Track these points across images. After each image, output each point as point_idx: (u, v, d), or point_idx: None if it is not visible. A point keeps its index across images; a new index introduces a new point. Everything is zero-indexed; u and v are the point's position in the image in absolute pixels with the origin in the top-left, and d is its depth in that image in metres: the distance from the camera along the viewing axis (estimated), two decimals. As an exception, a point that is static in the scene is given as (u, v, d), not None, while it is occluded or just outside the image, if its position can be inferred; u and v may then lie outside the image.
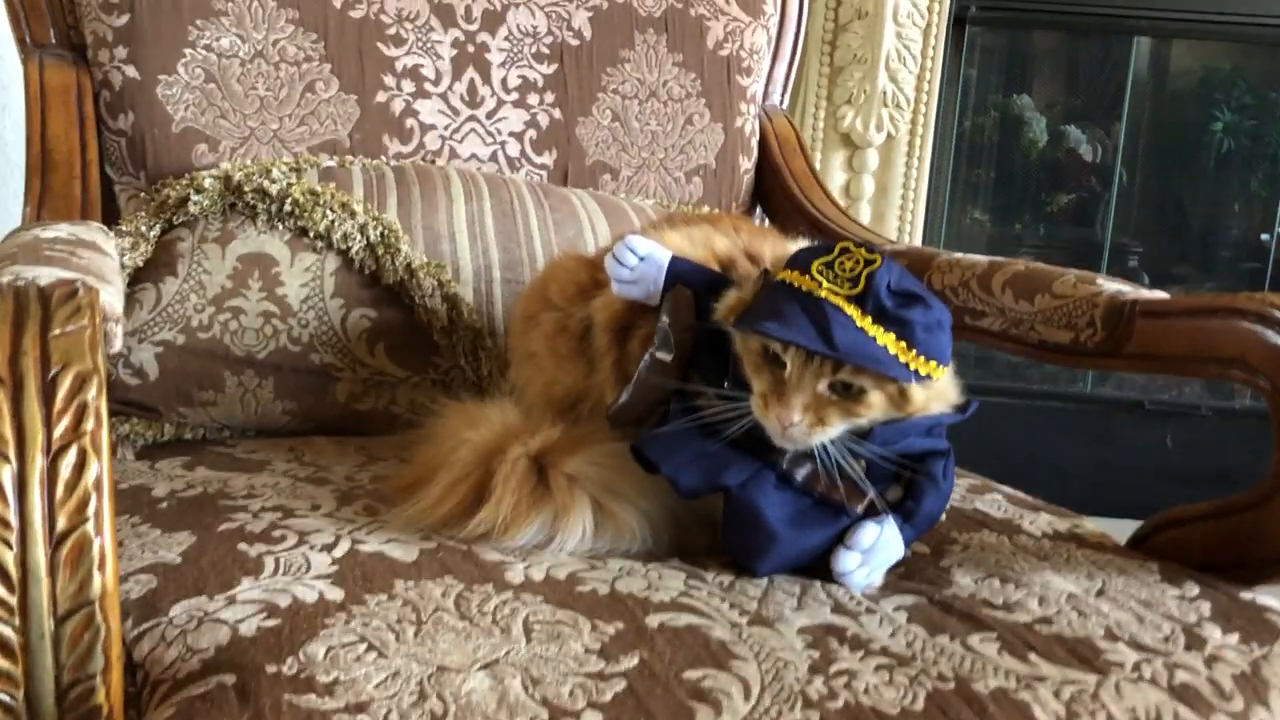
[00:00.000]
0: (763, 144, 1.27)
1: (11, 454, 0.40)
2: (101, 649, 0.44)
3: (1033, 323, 0.90)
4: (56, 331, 0.44)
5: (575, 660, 0.58)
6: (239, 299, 0.92)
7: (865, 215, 2.06)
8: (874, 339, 0.66)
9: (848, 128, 1.97)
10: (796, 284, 0.67)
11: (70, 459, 0.41)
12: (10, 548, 0.40)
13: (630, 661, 0.58)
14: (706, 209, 1.18)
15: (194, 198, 0.94)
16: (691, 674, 0.57)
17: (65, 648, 0.43)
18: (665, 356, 0.72)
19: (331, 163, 1.03)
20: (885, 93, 1.94)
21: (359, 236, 0.94)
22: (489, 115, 1.12)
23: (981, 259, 0.99)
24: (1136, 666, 0.63)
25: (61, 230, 0.76)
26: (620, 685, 0.56)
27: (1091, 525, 0.85)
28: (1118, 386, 2.38)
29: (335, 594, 0.63)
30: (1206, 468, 2.33)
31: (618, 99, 1.18)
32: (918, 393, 0.68)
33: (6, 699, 0.42)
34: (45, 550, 0.41)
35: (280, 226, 0.94)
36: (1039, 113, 2.33)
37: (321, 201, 0.94)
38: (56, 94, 0.98)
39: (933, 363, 0.68)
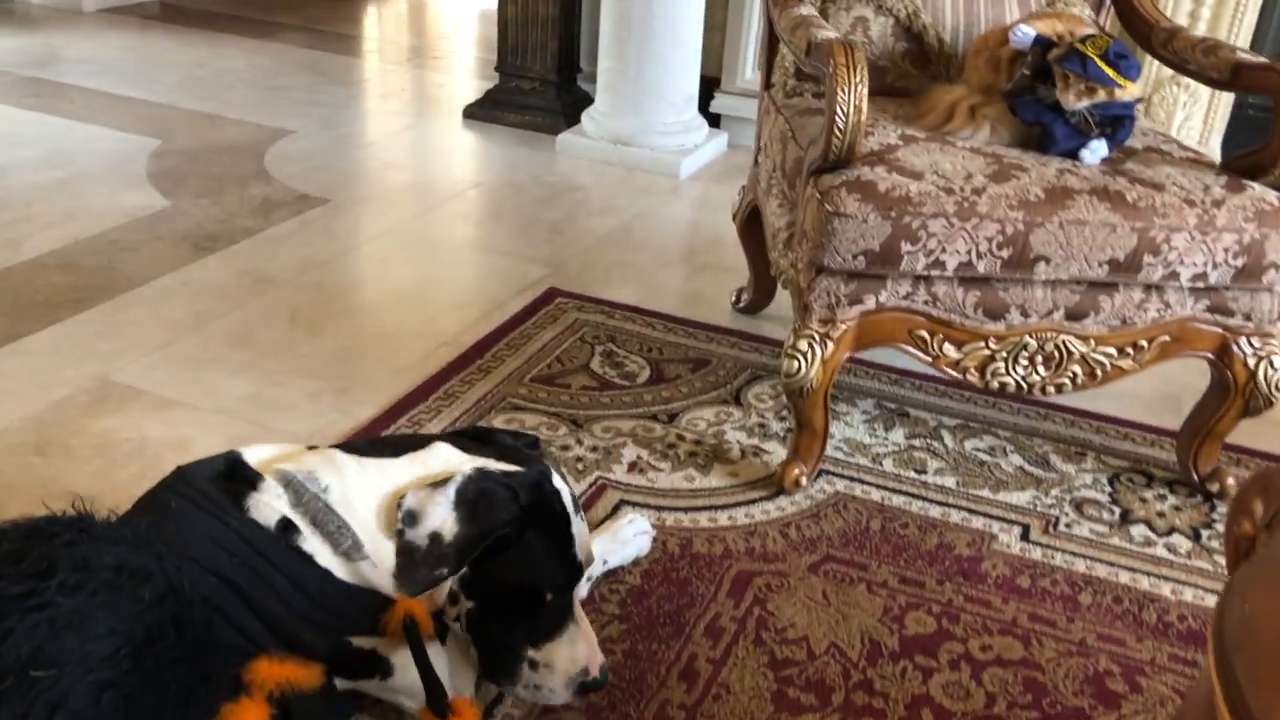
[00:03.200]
0: (1117, -41, 2.35)
1: (852, 96, 1.71)
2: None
3: (1204, 66, 2.01)
4: (858, 55, 1.74)
5: (977, 165, 1.84)
6: (854, 34, 2.20)
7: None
8: (1104, 71, 1.83)
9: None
10: (1078, 48, 1.86)
11: (855, 106, 1.72)
12: (839, 138, 1.72)
13: (994, 167, 1.84)
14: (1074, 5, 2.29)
15: (836, -10, 2.22)
16: (1015, 172, 1.82)
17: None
18: (1027, 72, 1.93)
19: (892, -28, 2.26)
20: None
21: (904, 11, 2.18)
22: (966, -54, 2.30)
23: (1194, 37, 2.08)
24: (1176, 191, 1.81)
25: (804, 9, 2.08)
26: (990, 172, 1.82)
27: (1196, 105, 1.99)
28: None
29: (900, 141, 1.92)
30: None
31: (1035, -64, 2.30)
32: (1119, 92, 1.85)
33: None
34: (847, 137, 1.73)
35: (872, 5, 2.20)
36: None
37: (890, -6, 2.19)
38: (778, -61, 2.27)
39: (1129, 81, 1.84)
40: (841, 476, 2.02)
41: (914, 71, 2.22)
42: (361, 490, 1.33)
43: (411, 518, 1.30)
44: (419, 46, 5.20)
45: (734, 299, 2.66)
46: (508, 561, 1.33)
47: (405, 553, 1.29)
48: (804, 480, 1.96)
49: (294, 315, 2.48)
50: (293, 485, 1.31)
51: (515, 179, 3.45)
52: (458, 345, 2.38)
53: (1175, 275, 1.81)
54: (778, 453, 2.07)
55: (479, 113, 3.96)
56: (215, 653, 1.13)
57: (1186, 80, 3.06)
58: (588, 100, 3.80)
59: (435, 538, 1.29)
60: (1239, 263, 1.80)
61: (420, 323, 2.49)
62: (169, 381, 2.18)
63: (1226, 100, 3.12)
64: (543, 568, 1.36)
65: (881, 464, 2.07)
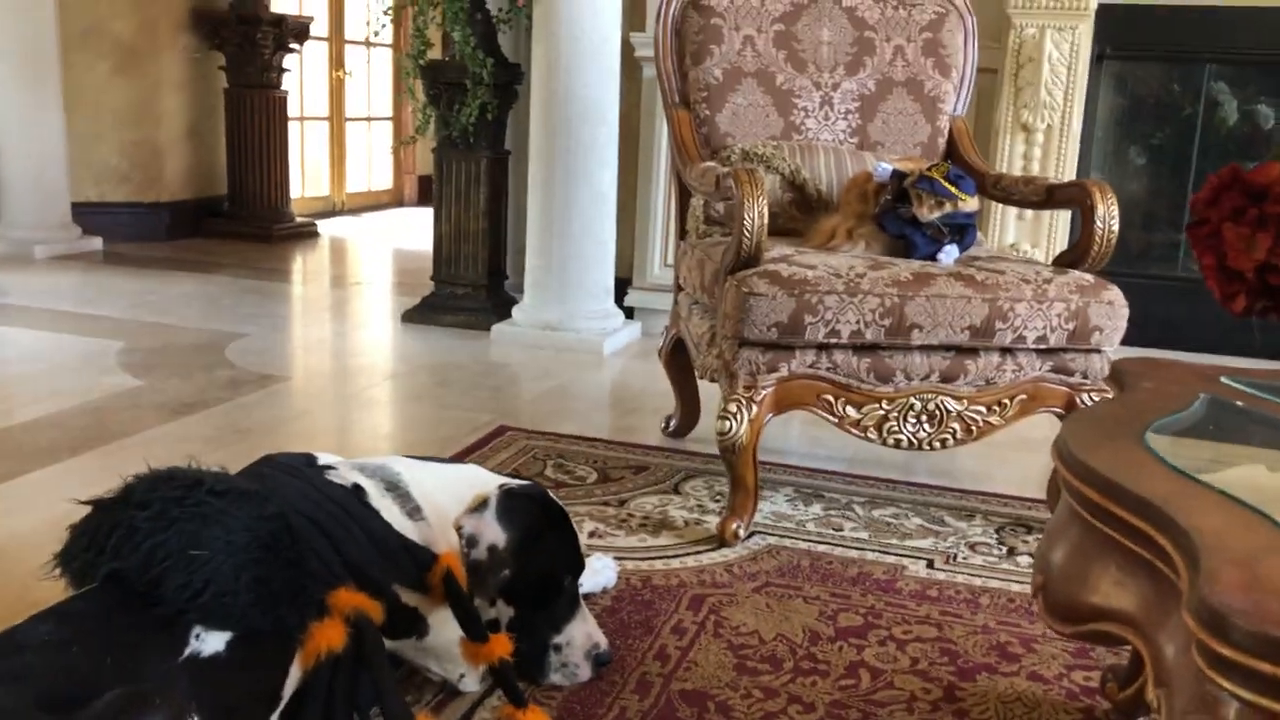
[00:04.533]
0: (950, 130, 2.95)
1: (756, 205, 2.18)
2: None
3: (1025, 195, 2.56)
4: (758, 175, 2.23)
5: (858, 262, 2.31)
6: (749, 189, 2.72)
7: (1037, 168, 3.68)
8: (948, 188, 2.36)
9: (1024, 120, 3.59)
10: (926, 173, 2.38)
11: (759, 212, 2.19)
12: (748, 237, 2.19)
13: (871, 263, 2.31)
14: (919, 155, 2.87)
15: (732, 158, 2.74)
16: (887, 265, 2.29)
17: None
18: (889, 197, 2.45)
19: (776, 143, 2.80)
20: (1044, 100, 3.55)
21: (787, 169, 2.72)
22: (833, 124, 2.87)
23: (1015, 175, 2.65)
24: (1015, 274, 2.29)
25: (708, 165, 2.59)
26: (868, 264, 2.29)
27: (1037, 256, 2.50)
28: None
29: (795, 252, 2.39)
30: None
31: (886, 115, 2.89)
32: (961, 204, 2.37)
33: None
34: (754, 237, 2.19)
35: (761, 166, 2.73)
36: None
37: (776, 157, 2.72)
38: (684, 121, 2.82)
39: (968, 196, 2.37)
40: (772, 535, 2.35)
41: (799, 215, 2.73)
42: (426, 474, 1.72)
43: (471, 541, 1.63)
44: (347, 275, 5.69)
45: (663, 425, 3.04)
46: (537, 554, 1.67)
47: (474, 569, 1.62)
48: (741, 533, 2.29)
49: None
50: (366, 468, 1.67)
51: (456, 360, 3.84)
52: (425, 466, 2.69)
53: (1022, 339, 2.27)
54: (716, 522, 2.40)
55: (417, 316, 4.39)
56: (309, 573, 1.41)
57: (1025, 247, 3.68)
58: (514, 301, 4.26)
59: (493, 549, 1.62)
60: (1070, 326, 2.27)
61: (389, 452, 2.79)
62: (170, 495, 2.43)
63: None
64: (560, 557, 1.71)
65: (805, 526, 2.41)
